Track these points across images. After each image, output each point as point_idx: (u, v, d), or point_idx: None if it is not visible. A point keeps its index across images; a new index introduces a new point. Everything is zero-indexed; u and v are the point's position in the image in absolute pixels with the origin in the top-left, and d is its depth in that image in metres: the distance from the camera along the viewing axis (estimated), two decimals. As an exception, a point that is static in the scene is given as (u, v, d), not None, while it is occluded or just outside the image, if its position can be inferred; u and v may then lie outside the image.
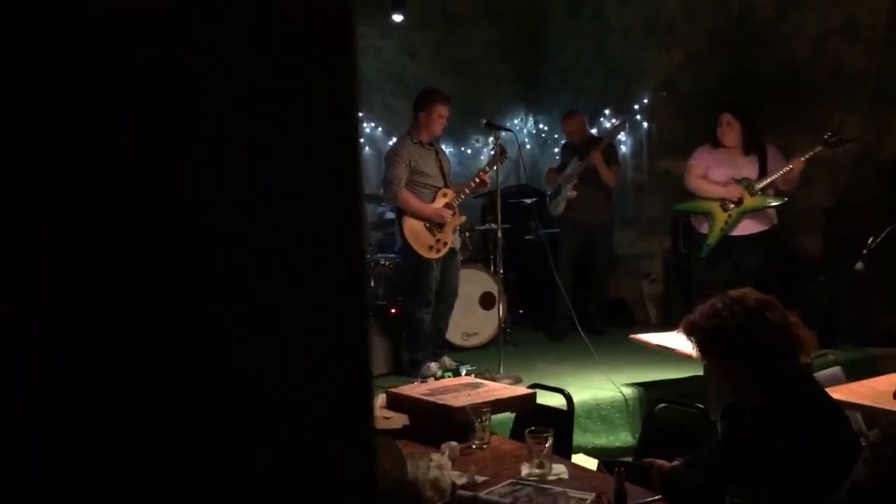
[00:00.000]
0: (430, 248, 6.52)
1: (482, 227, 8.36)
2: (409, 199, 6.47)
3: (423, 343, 6.65)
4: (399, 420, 3.78)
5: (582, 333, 6.67)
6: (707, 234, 6.77)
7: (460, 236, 7.06)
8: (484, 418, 3.51)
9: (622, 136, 8.60)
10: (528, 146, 10.35)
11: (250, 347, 0.83)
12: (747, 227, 6.70)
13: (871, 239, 5.24)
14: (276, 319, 0.85)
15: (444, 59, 9.92)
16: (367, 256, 7.12)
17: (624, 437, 5.79)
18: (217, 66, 0.84)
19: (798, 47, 8.01)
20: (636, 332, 5.99)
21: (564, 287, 7.11)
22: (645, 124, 8.94)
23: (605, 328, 8.00)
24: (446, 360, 6.71)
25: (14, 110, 0.76)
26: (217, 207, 0.83)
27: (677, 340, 5.24)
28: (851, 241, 5.89)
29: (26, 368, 0.74)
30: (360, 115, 0.93)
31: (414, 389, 4.05)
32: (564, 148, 8.55)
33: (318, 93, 0.88)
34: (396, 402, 3.88)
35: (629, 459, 4.43)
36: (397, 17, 8.78)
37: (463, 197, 6.73)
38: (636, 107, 8.96)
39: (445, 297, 6.81)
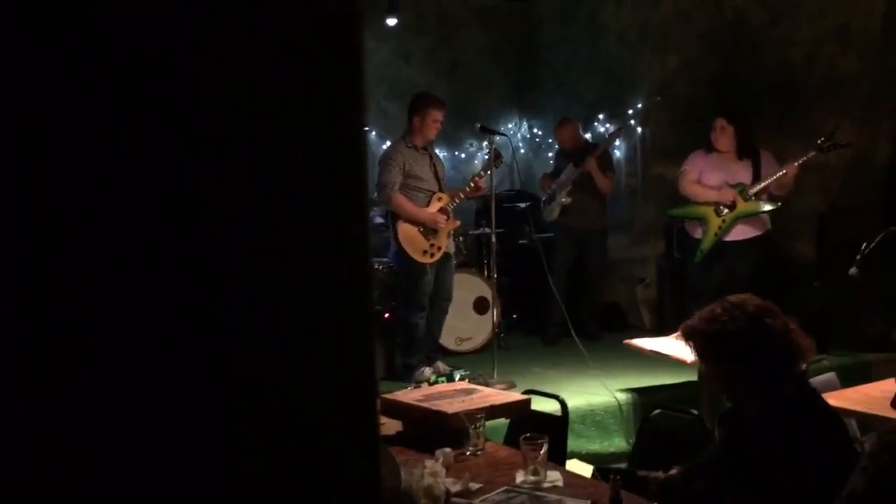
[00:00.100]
0: (425, 252, 6.51)
1: (476, 232, 8.36)
2: (404, 203, 6.46)
3: (417, 348, 6.64)
4: (393, 426, 3.77)
5: (576, 338, 6.67)
6: (701, 239, 6.77)
7: (454, 241, 7.06)
8: (478, 424, 3.50)
9: (616, 142, 8.61)
10: (522, 150, 10.36)
11: (250, 347, 0.83)
12: (741, 232, 6.71)
13: (864, 244, 5.24)
14: (277, 319, 0.85)
15: (438, 63, 9.94)
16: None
17: (618, 443, 5.79)
18: (217, 66, 0.84)
19: (792, 53, 8.03)
20: (630, 337, 5.97)
21: (558, 292, 7.10)
22: (639, 129, 8.96)
23: (599, 333, 8.00)
24: (440, 364, 6.69)
25: (14, 110, 0.76)
26: (217, 207, 0.83)
27: (671, 346, 5.25)
28: (845, 247, 5.89)
29: (26, 368, 0.73)
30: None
31: (408, 395, 4.04)
32: (558, 153, 8.55)
33: (318, 93, 0.88)
34: (390, 408, 3.86)
35: (623, 466, 4.43)
36: (391, 21, 8.80)
37: (457, 201, 6.73)
38: (630, 112, 8.97)
39: (440, 302, 6.80)
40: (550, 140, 9.55)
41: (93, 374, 0.76)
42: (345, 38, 0.88)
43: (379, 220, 7.64)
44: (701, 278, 6.87)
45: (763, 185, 6.57)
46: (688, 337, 3.07)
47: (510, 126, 10.40)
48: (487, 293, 7.48)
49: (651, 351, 5.51)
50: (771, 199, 6.69)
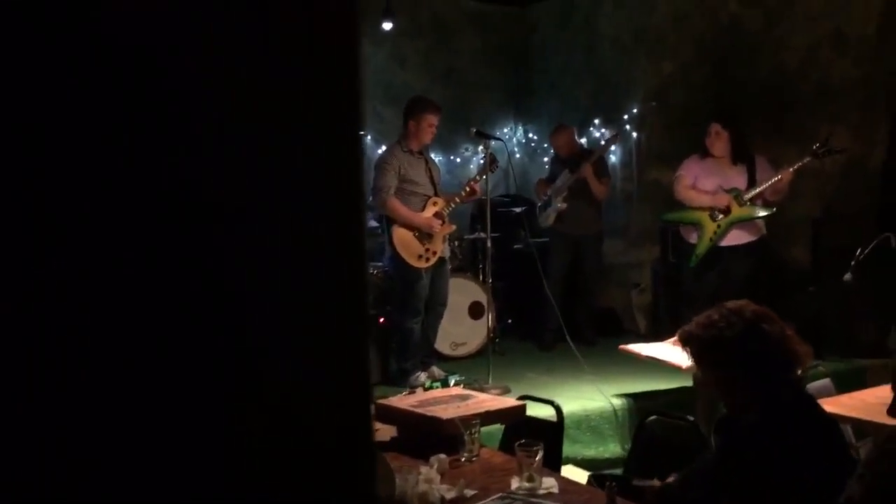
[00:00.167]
0: (420, 257, 6.51)
1: (471, 236, 8.36)
2: (398, 207, 6.46)
3: (412, 353, 6.63)
4: (387, 432, 3.76)
5: (571, 343, 6.67)
6: (696, 244, 6.79)
7: (449, 245, 7.05)
8: (473, 430, 3.49)
9: (612, 147, 8.62)
10: (518, 155, 10.37)
11: (251, 347, 0.83)
12: (736, 238, 6.72)
13: (859, 250, 5.25)
14: (277, 320, 0.85)
15: (433, 68, 9.95)
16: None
17: (613, 449, 5.79)
18: (217, 66, 0.84)
19: (787, 58, 8.05)
20: (625, 342, 5.98)
21: (554, 297, 7.10)
22: (634, 134, 8.98)
23: (594, 338, 8.01)
24: (435, 369, 6.69)
25: (14, 110, 0.76)
26: (217, 208, 0.82)
27: (666, 352, 5.26)
28: (840, 252, 5.91)
29: (26, 368, 0.73)
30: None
31: (402, 401, 4.02)
32: (554, 158, 8.56)
33: (318, 93, 0.87)
34: (385, 414, 3.86)
35: (619, 472, 4.43)
36: (387, 26, 8.81)
37: (453, 206, 6.73)
38: (625, 117, 8.99)
39: (435, 307, 6.80)
40: (546, 145, 9.56)
41: (93, 374, 0.75)
42: (345, 37, 0.88)
43: (373, 223, 7.64)
44: (696, 283, 6.88)
45: (758, 190, 6.58)
46: (685, 342, 3.07)
47: (506, 131, 10.42)
48: (482, 298, 7.49)
49: (646, 356, 5.52)
50: (766, 205, 6.71)
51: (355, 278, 0.89)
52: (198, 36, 0.84)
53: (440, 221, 6.55)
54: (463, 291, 7.72)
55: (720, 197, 6.67)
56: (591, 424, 5.83)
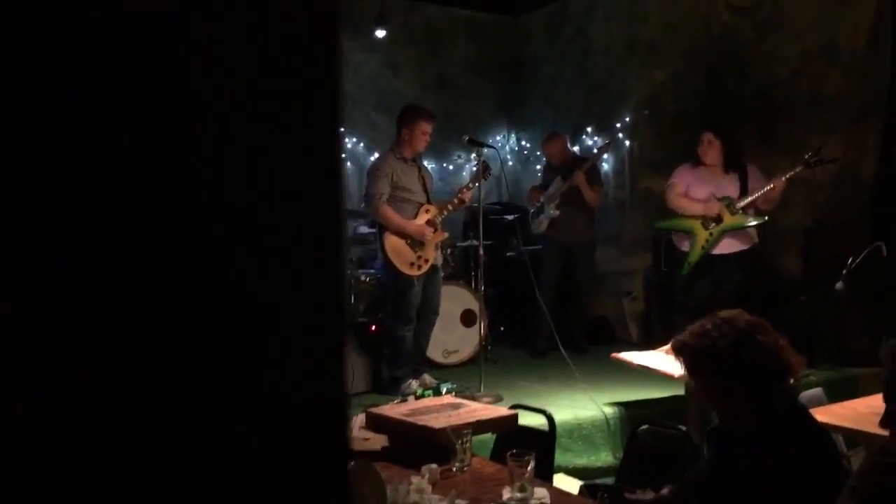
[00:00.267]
0: (412, 264, 6.50)
1: (464, 244, 8.36)
2: (391, 214, 6.45)
3: (403, 361, 6.62)
4: (378, 441, 3.74)
5: (563, 351, 6.66)
6: (688, 252, 6.80)
7: (442, 253, 7.05)
8: (465, 440, 3.47)
9: (604, 155, 8.64)
10: (511, 163, 10.39)
11: (251, 348, 0.82)
12: (728, 246, 6.74)
13: (850, 259, 5.27)
14: (277, 320, 0.84)
15: (426, 75, 9.97)
16: (348, 272, 7.12)
17: (605, 457, 5.78)
18: (217, 66, 0.84)
19: (778, 68, 8.08)
20: (617, 350, 5.98)
21: (546, 304, 7.09)
22: (626, 142, 9.00)
23: (586, 346, 8.01)
24: (426, 377, 6.68)
25: (14, 110, 0.75)
26: (217, 208, 0.82)
27: (659, 360, 5.27)
28: (831, 261, 5.93)
29: (26, 368, 0.73)
30: (342, 129, 0.94)
31: (394, 409, 4.01)
32: (547, 166, 8.57)
33: (318, 92, 0.88)
34: (376, 423, 3.84)
35: (611, 481, 4.42)
36: (380, 33, 8.83)
37: (445, 213, 6.72)
38: (618, 125, 9.01)
39: (427, 315, 6.79)
40: (538, 153, 9.58)
41: (93, 374, 0.75)
42: (333, 38, 0.89)
43: (363, 228, 7.63)
44: (688, 291, 6.89)
45: (750, 199, 6.60)
46: (678, 352, 3.07)
47: (498, 138, 10.43)
48: (475, 306, 7.48)
49: (638, 365, 5.52)
50: (758, 214, 6.73)
51: (341, 276, 0.90)
52: (198, 36, 0.83)
53: (432, 229, 6.54)
54: (455, 299, 7.71)
55: (712, 205, 6.69)
56: (583, 433, 5.82)
